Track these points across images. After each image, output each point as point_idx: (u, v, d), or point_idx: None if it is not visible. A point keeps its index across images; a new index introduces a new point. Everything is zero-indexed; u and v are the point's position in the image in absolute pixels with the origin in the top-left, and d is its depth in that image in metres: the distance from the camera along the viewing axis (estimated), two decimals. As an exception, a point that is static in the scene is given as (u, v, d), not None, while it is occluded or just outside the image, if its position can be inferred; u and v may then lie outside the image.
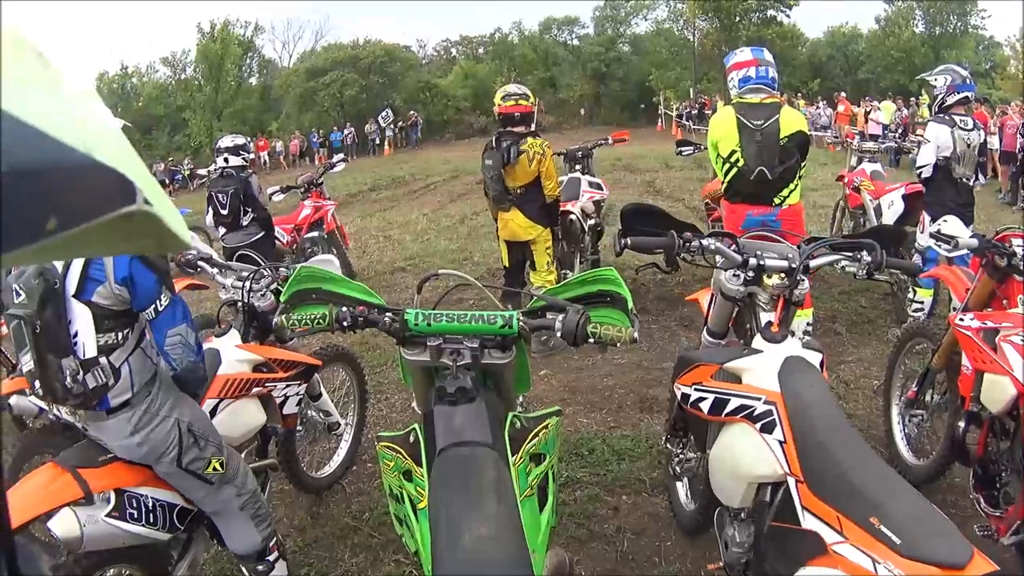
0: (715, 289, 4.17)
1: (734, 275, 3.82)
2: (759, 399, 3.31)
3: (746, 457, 3.36)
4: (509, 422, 2.99)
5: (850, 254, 3.82)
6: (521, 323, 3.07)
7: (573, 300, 3.14)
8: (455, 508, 2.58)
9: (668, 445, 4.86)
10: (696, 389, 3.68)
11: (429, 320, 3.09)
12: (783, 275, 3.73)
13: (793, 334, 3.71)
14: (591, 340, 3.01)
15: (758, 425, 3.27)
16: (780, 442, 3.15)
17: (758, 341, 3.63)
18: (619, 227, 3.96)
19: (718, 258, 3.89)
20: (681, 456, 4.75)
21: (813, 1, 78.85)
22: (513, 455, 2.91)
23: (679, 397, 3.90)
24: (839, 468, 2.85)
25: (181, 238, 0.75)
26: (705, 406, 3.61)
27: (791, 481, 3.06)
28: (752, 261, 3.75)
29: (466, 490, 2.65)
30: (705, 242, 3.82)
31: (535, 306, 3.24)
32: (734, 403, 3.44)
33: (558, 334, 3.00)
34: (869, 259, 3.72)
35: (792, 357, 3.43)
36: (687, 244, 3.82)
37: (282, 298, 3.37)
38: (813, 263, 3.78)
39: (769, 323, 3.73)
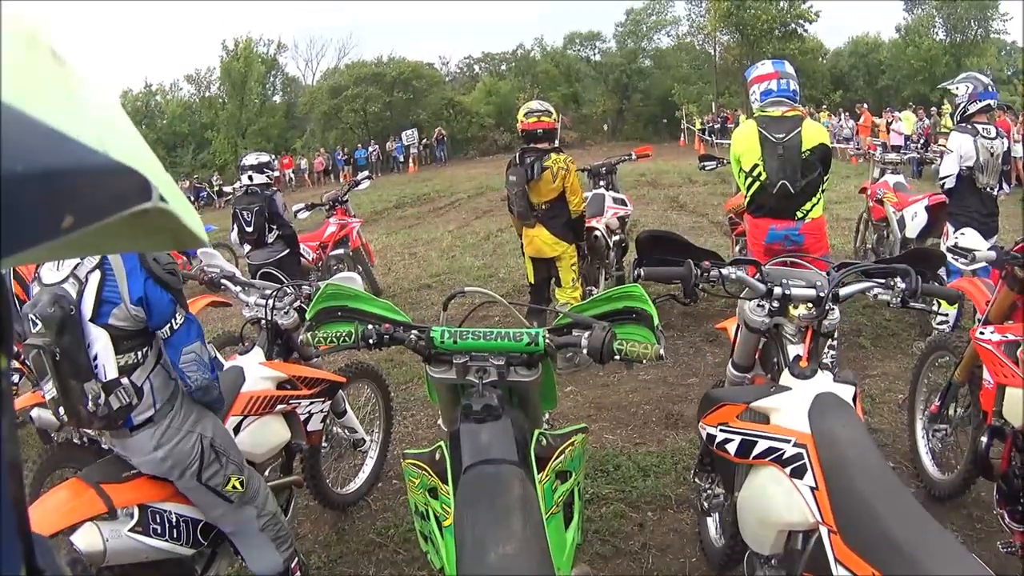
0: (739, 320, 3.95)
1: (758, 305, 3.60)
2: (788, 441, 3.09)
3: (775, 503, 3.14)
4: (535, 439, 2.99)
5: (883, 281, 3.57)
6: (547, 340, 3.07)
7: (599, 317, 3.13)
8: (481, 526, 2.58)
9: (696, 479, 4.59)
10: (722, 430, 3.45)
11: (455, 338, 3.10)
12: (811, 305, 3.50)
13: (824, 366, 3.45)
14: (617, 357, 2.99)
15: (788, 469, 3.05)
16: (811, 488, 2.92)
17: (786, 377, 3.40)
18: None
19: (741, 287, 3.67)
20: (710, 492, 4.47)
21: (834, 1, 78.18)
22: (539, 472, 2.90)
23: (704, 437, 3.66)
24: (876, 519, 2.63)
25: (197, 235, 0.75)
26: (732, 448, 3.37)
27: (823, 531, 2.83)
28: (777, 290, 3.51)
29: (492, 508, 2.64)
30: (725, 271, 3.57)
31: (561, 323, 3.23)
32: (762, 445, 3.22)
33: (584, 351, 3.00)
34: (903, 286, 3.48)
35: (823, 394, 3.18)
36: (706, 273, 3.59)
37: (308, 315, 3.38)
38: (843, 291, 3.56)
39: (797, 357, 3.47)
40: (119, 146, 0.67)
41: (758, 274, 3.65)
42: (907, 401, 6.03)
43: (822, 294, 3.46)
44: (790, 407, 3.21)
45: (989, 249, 5.16)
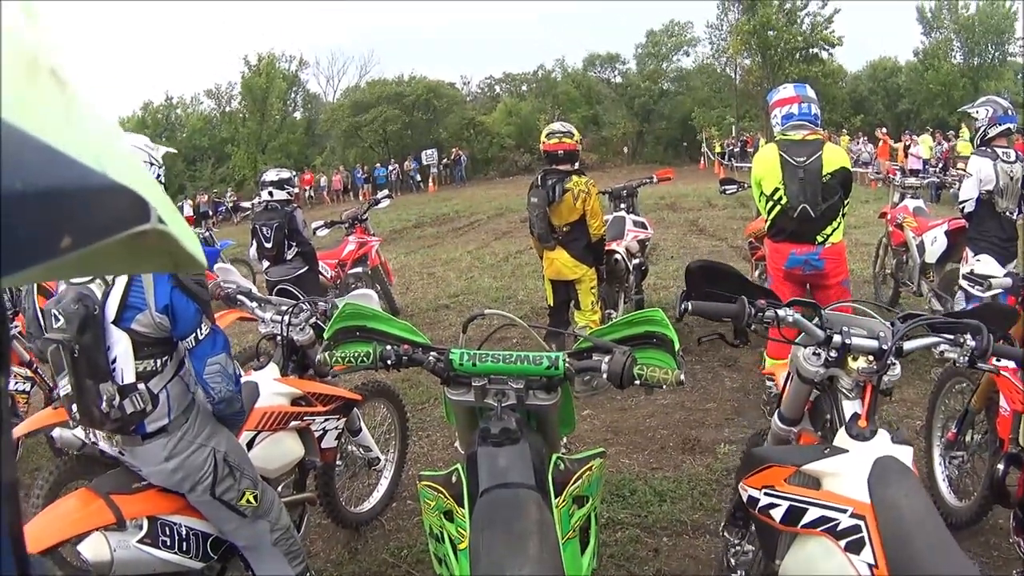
0: (790, 368, 3.60)
1: (814, 354, 3.26)
2: (844, 511, 2.76)
3: None
4: (553, 464, 2.97)
5: (951, 337, 3.21)
6: (567, 364, 3.05)
7: (619, 341, 3.10)
8: (497, 550, 2.56)
9: (725, 533, 4.25)
10: (767, 493, 3.08)
11: (474, 360, 3.07)
12: (871, 358, 3.14)
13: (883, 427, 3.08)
14: (637, 382, 2.96)
15: (843, 543, 2.72)
16: (870, 565, 2.62)
17: (842, 437, 3.05)
18: (681, 286, 3.75)
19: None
20: (739, 549, 4.15)
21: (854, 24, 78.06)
22: (556, 497, 2.89)
23: (745, 499, 3.27)
24: None
25: (195, 257, 0.75)
26: (777, 514, 3.01)
27: None
28: (836, 339, 3.15)
29: (508, 532, 2.62)
30: (782, 312, 3.21)
31: (581, 347, 3.20)
32: (813, 513, 2.86)
33: (604, 376, 2.97)
34: (973, 344, 3.11)
35: (884, 458, 2.86)
36: (760, 313, 3.23)
37: (326, 335, 3.36)
38: (907, 345, 3.19)
39: (855, 415, 3.11)
40: (118, 167, 0.66)
41: (817, 318, 3.30)
42: (924, 428, 5.98)
43: (885, 347, 3.11)
44: (847, 472, 2.89)
45: (1005, 275, 5.14)
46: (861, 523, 2.70)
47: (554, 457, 3.02)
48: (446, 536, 2.94)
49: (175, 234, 0.71)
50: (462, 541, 2.82)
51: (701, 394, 8.19)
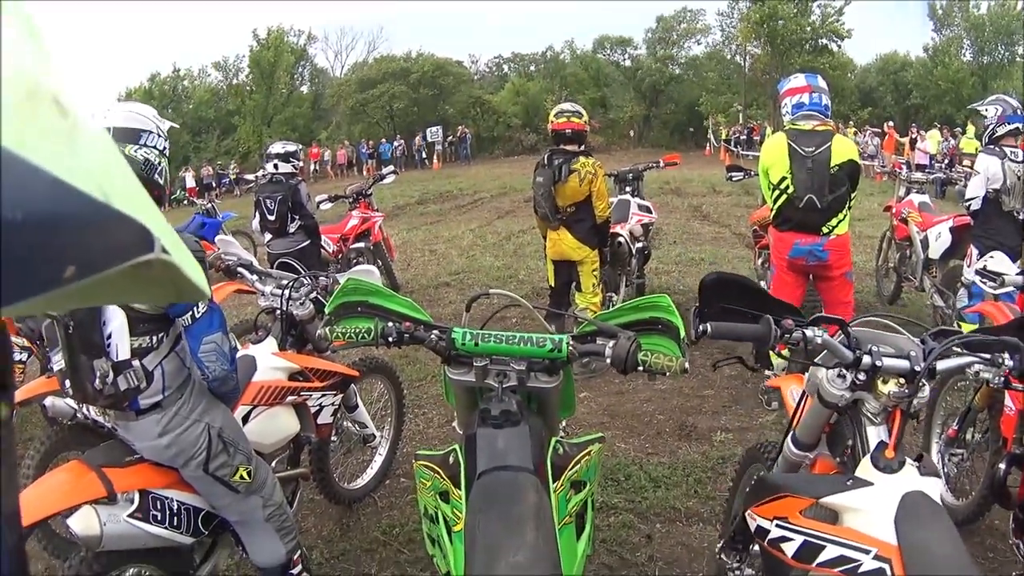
0: (809, 389, 3.30)
1: (839, 376, 2.97)
2: (868, 552, 2.54)
3: None
4: (552, 448, 2.97)
5: (988, 356, 2.94)
6: (571, 347, 3.03)
7: (624, 326, 3.08)
8: (492, 533, 2.55)
9: (722, 556, 4.03)
10: (779, 525, 2.85)
11: (476, 340, 3.07)
12: (901, 380, 2.85)
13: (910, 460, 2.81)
14: (641, 368, 2.93)
15: None
16: None
17: (866, 468, 2.78)
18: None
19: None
20: (737, 572, 3.91)
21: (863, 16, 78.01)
22: (554, 481, 2.88)
23: (753, 528, 3.05)
24: None
25: (199, 287, 0.75)
26: (790, 548, 2.78)
27: None
28: (866, 360, 2.84)
29: (505, 515, 2.61)
30: (810, 333, 2.87)
31: (585, 330, 3.18)
32: (832, 552, 2.63)
33: (608, 360, 2.95)
34: (1011, 363, 2.89)
35: (912, 494, 2.63)
36: (787, 335, 2.88)
37: (327, 309, 3.35)
38: (940, 365, 2.90)
39: (882, 444, 2.83)
40: (121, 196, 0.66)
41: (842, 335, 2.95)
42: (923, 424, 5.96)
43: (917, 368, 2.80)
44: (872, 508, 2.65)
45: (1018, 274, 5.12)
46: (886, 567, 2.49)
47: (553, 441, 3.02)
48: (441, 517, 2.93)
49: (178, 263, 0.70)
50: (457, 523, 2.81)
51: (699, 381, 8.17)
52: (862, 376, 2.87)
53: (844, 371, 2.94)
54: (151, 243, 0.67)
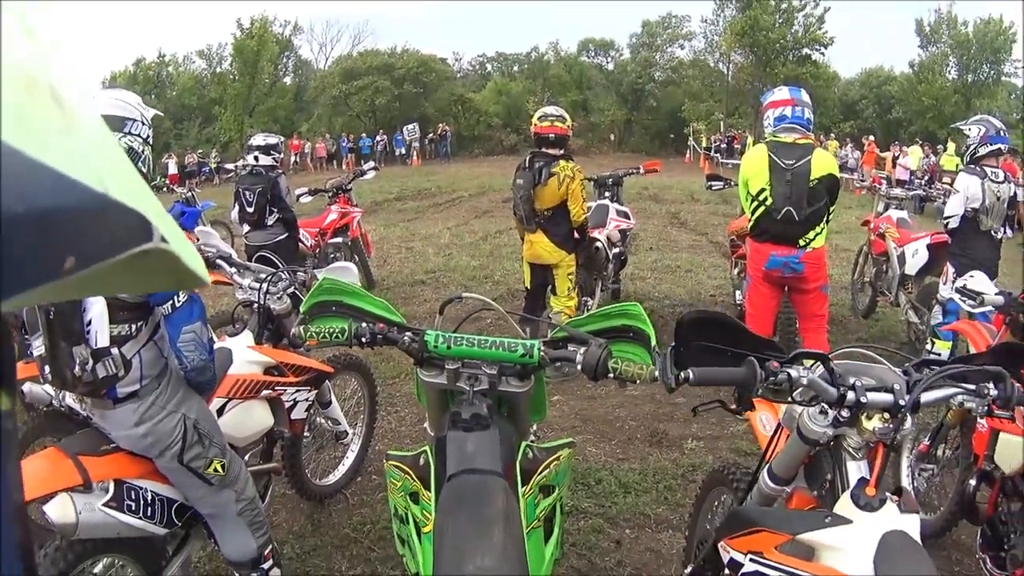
0: (785, 422, 3.28)
1: (821, 412, 2.91)
2: None
3: None
4: (522, 452, 2.99)
5: (972, 387, 2.81)
6: (542, 353, 3.05)
7: (595, 333, 3.10)
8: (461, 535, 2.57)
9: None
10: (753, 560, 2.77)
11: (449, 343, 3.08)
12: (886, 415, 2.77)
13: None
14: (611, 375, 2.95)
15: None
16: None
17: (846, 506, 2.71)
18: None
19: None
20: None
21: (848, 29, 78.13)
22: (523, 486, 2.90)
23: (726, 561, 2.96)
24: None
25: (198, 275, 0.75)
26: None
27: None
28: (850, 396, 2.73)
29: (473, 518, 2.63)
30: (794, 373, 2.74)
31: (557, 336, 3.19)
32: None
33: (579, 367, 2.98)
34: (995, 393, 2.76)
35: (893, 533, 2.57)
36: (772, 377, 2.73)
37: (302, 308, 3.38)
38: (924, 398, 2.79)
39: (863, 480, 2.77)
40: (120, 186, 0.67)
41: (823, 370, 2.82)
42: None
43: (902, 401, 2.72)
44: (850, 547, 2.57)
45: (997, 294, 5.17)
46: None
47: (523, 445, 3.04)
48: (410, 518, 2.95)
49: (177, 252, 0.71)
50: (427, 524, 2.83)
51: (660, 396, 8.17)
52: (845, 413, 2.79)
53: (826, 407, 2.87)
54: (150, 232, 0.67)
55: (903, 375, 2.86)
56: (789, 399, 2.82)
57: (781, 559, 2.68)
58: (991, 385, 2.78)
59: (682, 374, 2.72)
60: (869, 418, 2.78)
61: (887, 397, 2.74)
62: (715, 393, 3.21)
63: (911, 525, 2.62)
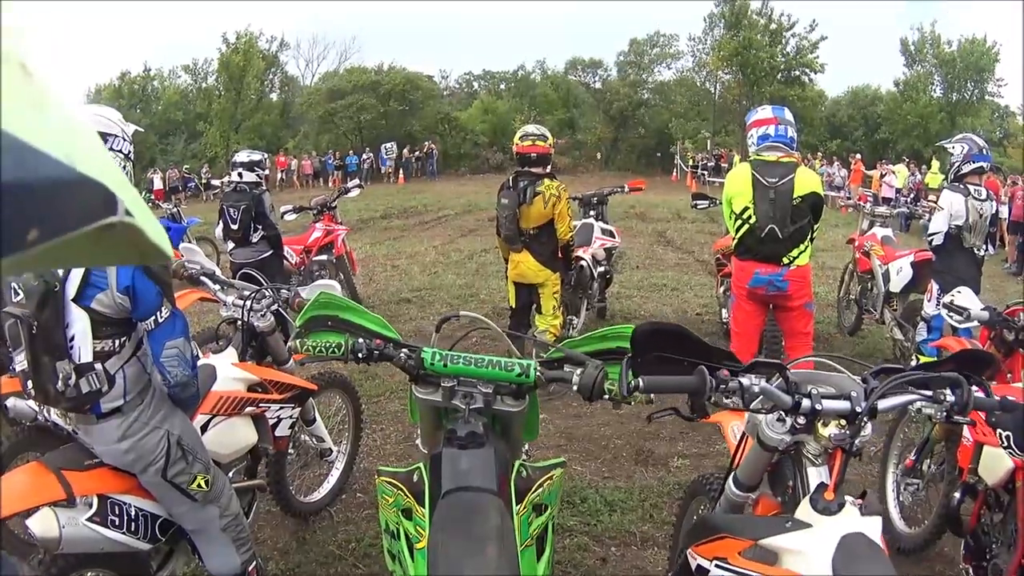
0: (748, 430, 3.29)
1: (779, 420, 2.91)
2: None
3: None
4: (516, 471, 3.01)
5: (929, 393, 2.86)
6: (538, 372, 3.07)
7: (590, 354, 3.14)
8: (456, 552, 2.59)
9: None
10: (718, 565, 2.81)
11: (446, 361, 3.12)
12: (843, 422, 2.79)
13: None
14: (606, 397, 2.98)
15: None
16: None
17: (805, 510, 2.77)
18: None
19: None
20: None
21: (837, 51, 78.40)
22: (517, 504, 2.93)
23: (693, 567, 2.98)
24: None
25: (162, 250, 0.75)
26: None
27: None
28: (805, 404, 2.76)
29: (468, 536, 2.65)
30: (746, 381, 2.76)
31: (553, 356, 3.22)
32: None
33: (575, 388, 3.00)
34: (952, 399, 2.80)
35: (851, 536, 2.59)
36: (723, 385, 2.75)
37: (297, 322, 3.40)
38: (882, 404, 2.82)
39: (822, 486, 2.81)
40: (85, 159, 0.66)
41: (780, 379, 2.84)
42: (881, 453, 6.04)
43: (858, 408, 2.75)
44: (810, 550, 2.61)
45: (982, 310, 5.22)
46: None
47: (517, 464, 3.07)
48: (403, 534, 2.97)
49: (142, 226, 0.70)
50: (420, 540, 2.84)
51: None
52: (802, 420, 2.82)
53: (783, 415, 2.88)
54: (114, 206, 0.67)
55: (862, 383, 2.89)
56: (750, 407, 2.83)
57: (744, 564, 2.73)
58: (948, 391, 2.83)
59: (632, 382, 2.75)
60: (825, 425, 2.80)
61: (843, 404, 2.78)
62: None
63: (871, 527, 2.65)
